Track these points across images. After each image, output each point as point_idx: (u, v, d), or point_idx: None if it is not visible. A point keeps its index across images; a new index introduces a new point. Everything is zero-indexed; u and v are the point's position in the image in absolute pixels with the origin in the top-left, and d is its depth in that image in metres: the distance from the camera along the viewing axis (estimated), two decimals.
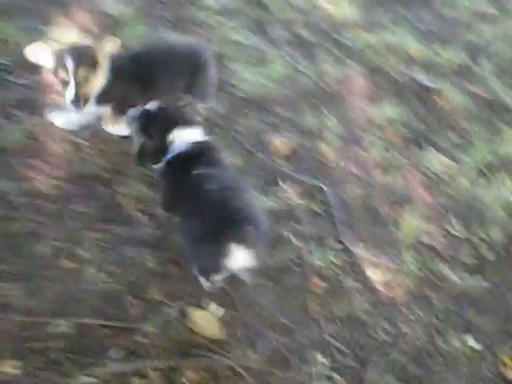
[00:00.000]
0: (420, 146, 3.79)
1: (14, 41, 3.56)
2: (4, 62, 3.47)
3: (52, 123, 3.18)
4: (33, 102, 3.32)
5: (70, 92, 2.85)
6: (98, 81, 2.95)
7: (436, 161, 3.71)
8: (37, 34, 3.53)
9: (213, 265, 2.51)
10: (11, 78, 3.41)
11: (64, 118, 3.19)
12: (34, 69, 3.27)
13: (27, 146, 3.11)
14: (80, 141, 3.20)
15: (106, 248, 2.78)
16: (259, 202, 3.04)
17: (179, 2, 4.43)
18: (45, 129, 3.19)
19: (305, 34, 4.58)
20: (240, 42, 4.26)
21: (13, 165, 3.00)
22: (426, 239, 3.22)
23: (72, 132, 3.19)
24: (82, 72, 2.84)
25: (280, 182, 3.29)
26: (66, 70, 2.81)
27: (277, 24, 4.61)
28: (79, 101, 2.89)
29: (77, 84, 2.84)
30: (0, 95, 3.31)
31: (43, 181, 2.99)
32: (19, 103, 3.29)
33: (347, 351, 2.64)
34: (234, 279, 2.72)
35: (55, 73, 2.89)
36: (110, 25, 3.93)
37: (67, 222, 2.84)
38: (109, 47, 2.96)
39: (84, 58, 2.86)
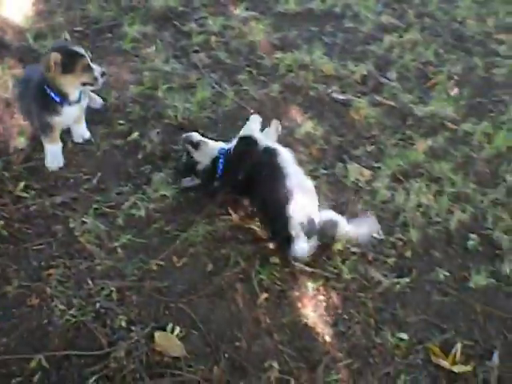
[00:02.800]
0: (340, 159, 4.13)
1: None
2: None
3: None
4: None
5: None
6: None
7: (355, 171, 4.04)
8: None
9: None
10: None
11: None
12: None
13: None
14: None
15: (69, 283, 3.00)
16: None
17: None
18: None
19: (223, 56, 4.85)
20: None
21: None
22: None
23: None
24: None
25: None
26: None
27: (197, 48, 4.90)
28: None
29: None
30: None
31: None
32: None
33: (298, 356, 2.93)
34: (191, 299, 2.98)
35: None
36: None
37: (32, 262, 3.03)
38: None
39: None
